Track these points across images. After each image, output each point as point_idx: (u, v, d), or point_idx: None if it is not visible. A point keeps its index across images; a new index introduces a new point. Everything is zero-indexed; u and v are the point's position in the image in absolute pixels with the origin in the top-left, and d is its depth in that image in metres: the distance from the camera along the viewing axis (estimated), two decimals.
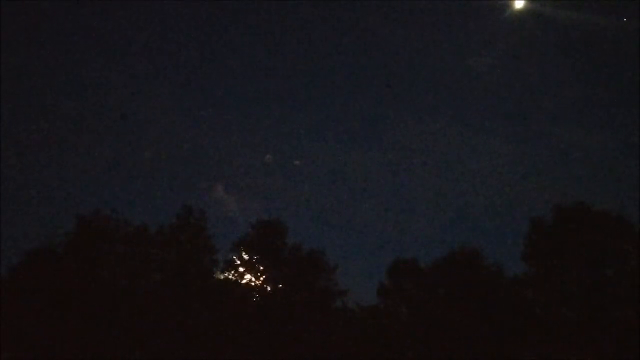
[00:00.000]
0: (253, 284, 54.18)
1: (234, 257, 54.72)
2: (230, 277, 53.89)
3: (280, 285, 53.65)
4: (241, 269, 54.20)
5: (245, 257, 53.98)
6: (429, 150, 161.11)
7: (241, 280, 53.76)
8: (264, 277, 53.96)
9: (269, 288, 53.94)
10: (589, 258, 49.10)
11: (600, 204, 51.94)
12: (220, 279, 54.17)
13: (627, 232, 49.93)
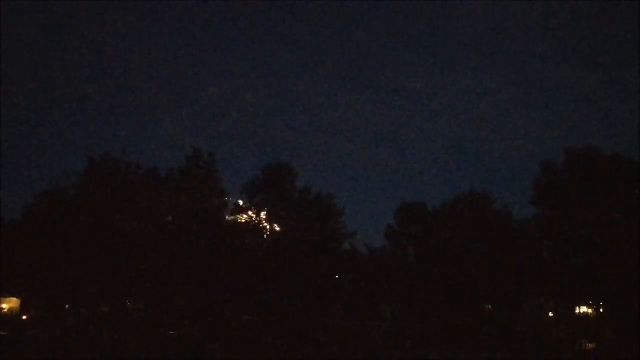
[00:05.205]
0: (262, 226, 54.47)
1: (242, 200, 54.95)
2: (239, 219, 54.16)
3: (290, 228, 53.87)
4: (250, 212, 54.34)
5: (255, 199, 54.05)
6: (429, 93, 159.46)
7: (251, 222, 53.99)
8: (273, 219, 54.20)
9: (278, 229, 54.22)
10: (597, 201, 48.98)
11: (602, 145, 51.43)
12: (229, 221, 54.47)
13: (636, 175, 49.57)
